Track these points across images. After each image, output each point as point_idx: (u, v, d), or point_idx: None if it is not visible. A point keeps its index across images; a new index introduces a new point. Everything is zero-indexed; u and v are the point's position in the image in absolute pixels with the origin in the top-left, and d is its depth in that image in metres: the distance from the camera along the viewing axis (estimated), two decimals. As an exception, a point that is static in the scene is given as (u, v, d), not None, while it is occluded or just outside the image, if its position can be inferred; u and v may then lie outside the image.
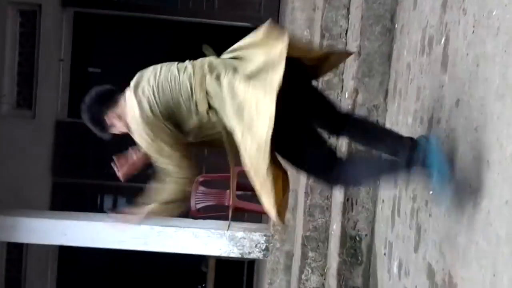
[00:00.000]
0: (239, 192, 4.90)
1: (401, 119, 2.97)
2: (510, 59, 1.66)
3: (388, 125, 3.28)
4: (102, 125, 2.25)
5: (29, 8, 6.65)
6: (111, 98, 2.23)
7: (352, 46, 3.54)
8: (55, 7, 6.64)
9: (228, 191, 4.82)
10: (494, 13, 1.80)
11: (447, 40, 2.28)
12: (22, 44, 6.67)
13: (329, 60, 2.25)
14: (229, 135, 2.10)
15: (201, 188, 4.92)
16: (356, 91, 3.41)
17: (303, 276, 3.96)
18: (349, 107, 3.42)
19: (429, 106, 2.44)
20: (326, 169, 2.13)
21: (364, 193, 3.31)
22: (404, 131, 2.87)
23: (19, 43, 6.64)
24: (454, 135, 2.08)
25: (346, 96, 3.67)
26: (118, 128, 2.26)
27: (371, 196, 3.31)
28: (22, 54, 6.67)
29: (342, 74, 3.92)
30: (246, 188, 5.28)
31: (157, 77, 2.16)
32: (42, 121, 6.72)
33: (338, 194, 3.55)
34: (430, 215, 2.29)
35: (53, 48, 6.65)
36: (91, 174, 6.98)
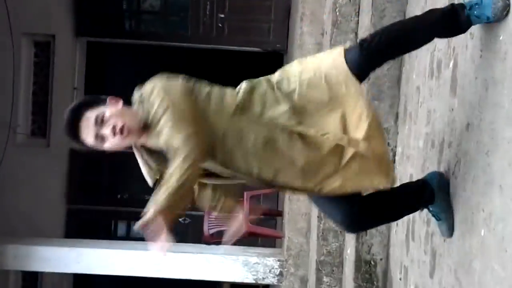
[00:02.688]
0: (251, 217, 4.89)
1: (412, 142, 2.97)
2: (519, 84, 1.66)
3: (400, 149, 3.27)
4: (75, 133, 1.88)
5: (43, 38, 6.79)
6: (95, 102, 1.92)
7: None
8: (69, 37, 6.77)
9: (241, 216, 4.81)
10: (501, 38, 1.81)
11: (455, 64, 2.28)
12: (36, 74, 6.79)
13: None
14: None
15: (214, 213, 4.92)
16: (366, 114, 3.41)
17: (318, 302, 3.92)
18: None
19: (439, 130, 2.44)
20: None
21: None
22: (416, 154, 2.87)
23: (34, 73, 6.76)
24: (466, 159, 2.07)
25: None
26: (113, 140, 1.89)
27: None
28: (37, 84, 6.79)
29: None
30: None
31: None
32: (56, 150, 6.78)
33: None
34: (444, 240, 2.27)
35: (66, 77, 6.76)
36: (104, 200, 7.02)
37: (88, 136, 1.88)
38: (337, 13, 3.90)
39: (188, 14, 6.99)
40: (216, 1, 6.74)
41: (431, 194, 2.12)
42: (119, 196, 7.26)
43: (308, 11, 4.45)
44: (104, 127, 1.87)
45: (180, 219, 6.84)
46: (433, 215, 2.19)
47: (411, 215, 2.82)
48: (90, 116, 1.87)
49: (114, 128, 1.86)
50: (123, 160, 6.73)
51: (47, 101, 6.76)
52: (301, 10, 4.52)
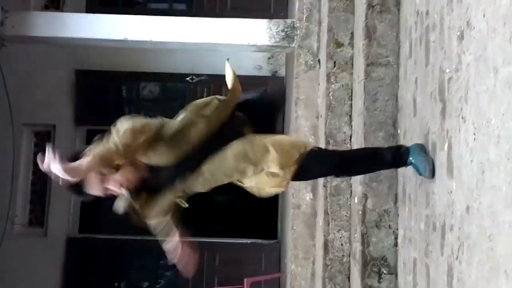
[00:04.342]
0: (253, 305, 4.73)
1: (414, 225, 2.92)
2: (515, 167, 1.65)
3: (401, 231, 3.22)
4: (79, 189, 2.26)
5: (43, 128, 6.91)
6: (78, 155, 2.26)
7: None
8: (69, 126, 6.88)
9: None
10: (492, 122, 1.83)
11: (450, 146, 2.30)
12: (35, 163, 6.81)
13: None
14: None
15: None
16: (365, 196, 3.39)
17: None
18: (360, 212, 3.38)
19: (440, 213, 2.41)
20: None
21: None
22: (418, 237, 2.81)
23: (33, 163, 6.81)
24: (469, 243, 2.03)
25: (356, 201, 3.64)
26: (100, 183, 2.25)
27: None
28: (36, 173, 6.82)
29: (350, 179, 3.93)
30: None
31: None
32: (53, 238, 6.72)
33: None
34: (453, 329, 2.17)
35: (65, 165, 6.79)
36: (101, 289, 6.83)
37: (94, 192, 2.28)
38: (331, 98, 3.99)
39: (185, 100, 7.17)
40: (213, 88, 6.91)
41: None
42: (116, 284, 7.06)
43: (303, 96, 4.56)
44: (108, 184, 2.30)
45: None
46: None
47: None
48: (92, 176, 2.24)
49: (121, 184, 2.30)
50: (120, 248, 6.66)
51: (45, 190, 6.77)
52: (295, 95, 4.63)
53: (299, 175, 2.49)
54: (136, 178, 2.28)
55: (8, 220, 6.05)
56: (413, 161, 2.49)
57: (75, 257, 6.76)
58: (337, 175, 3.04)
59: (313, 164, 2.48)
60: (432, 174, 2.39)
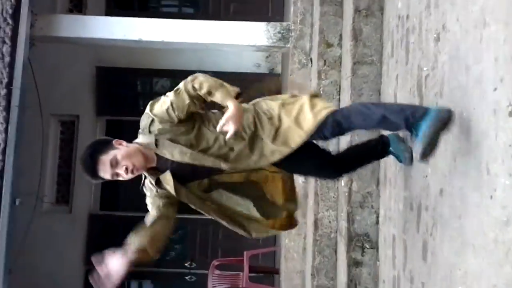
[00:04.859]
0: (251, 274, 4.74)
1: (393, 205, 2.91)
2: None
3: (382, 211, 3.22)
4: (93, 173, 2.04)
5: (68, 118, 6.89)
6: (106, 146, 2.06)
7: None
8: (91, 116, 6.87)
9: (241, 274, 4.67)
10: (464, 115, 1.82)
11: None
12: (62, 148, 6.84)
13: None
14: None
15: (217, 272, 4.77)
16: (350, 180, 3.38)
17: None
18: (346, 194, 3.37)
19: (416, 195, 2.40)
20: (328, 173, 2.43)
21: (366, 274, 3.17)
22: (397, 216, 2.81)
23: (59, 148, 6.82)
24: (442, 222, 2.02)
25: (342, 184, 3.63)
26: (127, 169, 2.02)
27: (373, 277, 3.17)
28: (62, 158, 6.82)
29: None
30: (257, 270, 5.13)
31: None
32: (77, 215, 6.72)
33: (342, 276, 3.40)
34: (427, 297, 2.17)
35: (88, 150, 6.80)
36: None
37: (106, 174, 2.06)
38: (321, 92, 3.95)
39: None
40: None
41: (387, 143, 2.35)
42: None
43: (296, 91, 4.53)
44: (118, 168, 2.04)
45: (186, 277, 6.63)
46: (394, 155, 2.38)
47: (395, 272, 2.73)
48: (105, 160, 2.03)
49: (126, 169, 2.03)
50: (136, 224, 6.67)
51: (70, 172, 6.77)
52: (290, 89, 4.60)
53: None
54: (142, 166, 2.06)
55: (37, 199, 6.04)
56: (393, 150, 2.41)
57: (96, 231, 6.76)
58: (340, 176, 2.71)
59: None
60: (411, 161, 2.36)
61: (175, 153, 2.08)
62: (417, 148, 1.90)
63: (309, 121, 2.10)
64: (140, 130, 2.13)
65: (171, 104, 2.02)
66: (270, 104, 2.21)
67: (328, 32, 3.99)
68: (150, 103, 2.11)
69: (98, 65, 6.88)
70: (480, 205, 1.65)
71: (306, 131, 2.10)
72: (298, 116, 2.13)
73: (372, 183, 3.32)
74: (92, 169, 2.04)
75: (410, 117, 1.96)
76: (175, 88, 2.06)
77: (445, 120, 1.85)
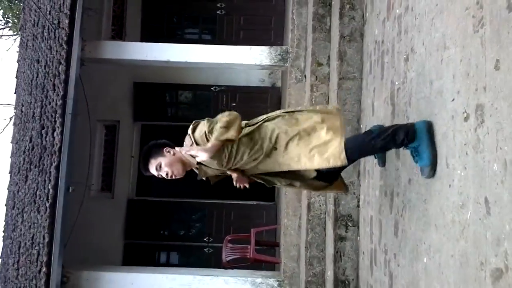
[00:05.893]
0: (257, 247, 4.75)
1: (371, 192, 2.92)
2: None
3: (362, 196, 3.22)
4: (146, 170, 2.11)
5: (111, 123, 6.92)
6: (156, 152, 2.10)
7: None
8: (129, 121, 6.89)
9: (249, 246, 4.68)
10: (428, 119, 1.81)
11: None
12: (105, 147, 6.87)
13: None
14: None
15: (229, 245, 4.78)
16: (337, 172, 3.38)
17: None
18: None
19: (390, 183, 2.40)
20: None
21: (349, 247, 3.17)
22: (374, 201, 2.81)
23: (104, 147, 6.86)
24: (410, 205, 2.03)
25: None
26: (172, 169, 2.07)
27: (354, 250, 3.17)
28: (106, 154, 6.86)
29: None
30: (262, 244, 5.13)
31: None
32: (118, 200, 6.75)
33: (329, 248, 3.41)
34: (398, 265, 2.17)
35: (127, 149, 6.83)
36: (151, 236, 6.87)
37: (153, 173, 2.13)
38: (313, 102, 3.96)
39: (210, 103, 7.13)
40: (230, 95, 6.89)
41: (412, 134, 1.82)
42: (161, 232, 7.10)
43: (293, 100, 4.53)
44: (161, 171, 2.11)
45: (205, 249, 6.65)
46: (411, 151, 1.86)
47: (372, 245, 2.73)
48: (153, 163, 2.10)
49: (167, 174, 2.10)
50: (165, 207, 6.69)
51: (112, 166, 6.81)
52: (288, 100, 4.60)
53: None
54: (181, 173, 2.11)
55: (86, 187, 6.08)
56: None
57: (134, 213, 6.79)
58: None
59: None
60: (384, 163, 2.35)
61: (209, 171, 2.16)
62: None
63: (319, 162, 1.95)
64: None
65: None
66: (291, 131, 2.08)
67: (319, 54, 4.00)
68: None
69: (135, 81, 6.91)
70: (441, 192, 1.66)
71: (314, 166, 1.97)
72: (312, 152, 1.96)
73: (354, 174, 3.33)
74: (144, 166, 2.13)
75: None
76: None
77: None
